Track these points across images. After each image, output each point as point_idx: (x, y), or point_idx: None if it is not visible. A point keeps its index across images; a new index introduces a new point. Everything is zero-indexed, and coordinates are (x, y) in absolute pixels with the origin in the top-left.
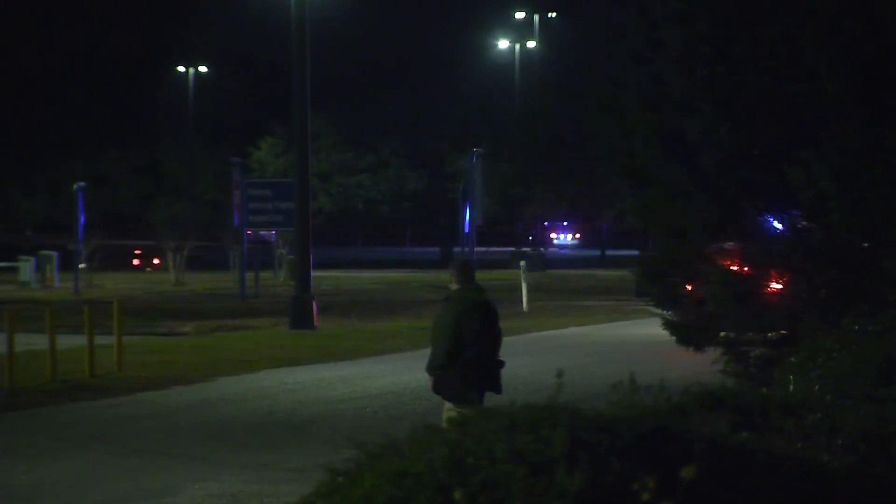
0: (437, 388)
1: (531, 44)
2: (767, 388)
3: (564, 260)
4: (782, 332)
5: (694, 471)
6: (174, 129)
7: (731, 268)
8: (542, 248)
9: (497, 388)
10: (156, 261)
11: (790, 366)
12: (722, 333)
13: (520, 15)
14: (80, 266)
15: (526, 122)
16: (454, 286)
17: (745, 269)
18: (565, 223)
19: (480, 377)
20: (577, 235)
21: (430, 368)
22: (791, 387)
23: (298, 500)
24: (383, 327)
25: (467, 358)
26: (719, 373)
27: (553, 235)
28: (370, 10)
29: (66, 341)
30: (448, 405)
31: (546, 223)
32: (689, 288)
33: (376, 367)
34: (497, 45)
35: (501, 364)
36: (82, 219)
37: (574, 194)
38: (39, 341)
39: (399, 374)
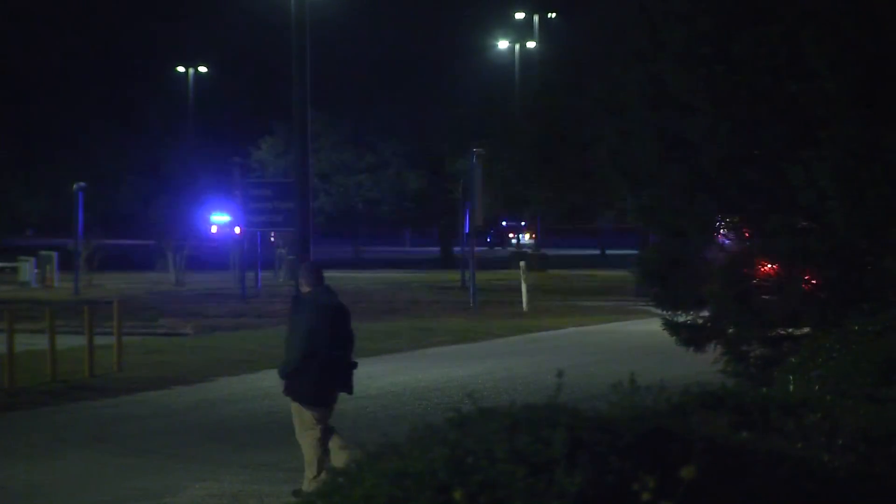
0: (290, 391)
1: (531, 44)
2: (767, 388)
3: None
4: (782, 331)
5: (694, 471)
6: (174, 129)
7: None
8: (499, 248)
9: (349, 389)
10: None
11: (790, 366)
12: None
13: (520, 15)
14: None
15: (526, 123)
16: (305, 289)
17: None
18: (523, 223)
19: (334, 378)
20: (534, 236)
21: (284, 372)
22: (791, 387)
23: (299, 500)
24: (383, 327)
25: (321, 360)
26: (719, 373)
27: (511, 235)
28: (370, 11)
29: (66, 341)
30: (295, 406)
31: (504, 223)
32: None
33: (376, 366)
34: (497, 45)
35: (354, 365)
36: (82, 219)
37: (573, 195)
38: (39, 341)
39: (399, 374)
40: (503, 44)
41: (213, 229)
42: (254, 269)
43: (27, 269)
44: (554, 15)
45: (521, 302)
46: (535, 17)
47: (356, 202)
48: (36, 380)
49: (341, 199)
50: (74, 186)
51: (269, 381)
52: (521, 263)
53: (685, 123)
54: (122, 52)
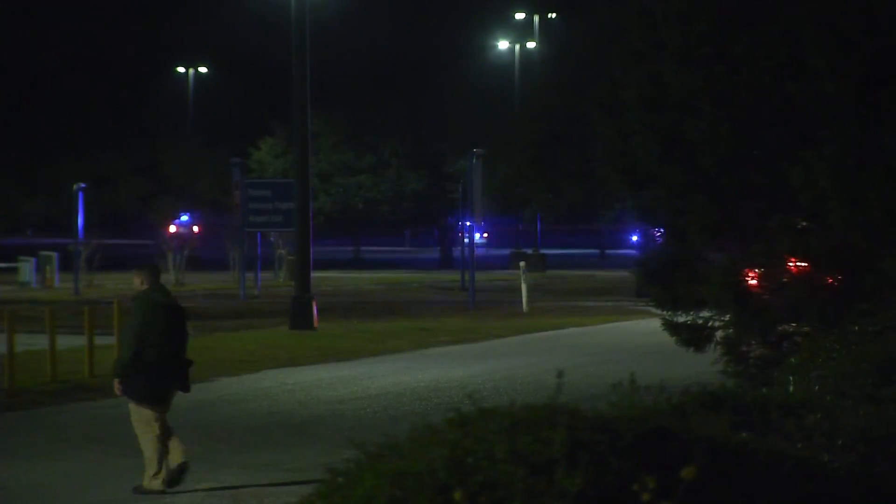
0: (125, 390)
1: (531, 44)
2: (767, 389)
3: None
4: (782, 331)
5: (694, 471)
6: (174, 129)
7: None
8: (451, 248)
9: (185, 387)
10: None
11: (790, 366)
12: (721, 333)
13: (520, 15)
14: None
15: (525, 123)
16: (141, 288)
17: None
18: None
19: (169, 377)
20: (486, 235)
21: (118, 372)
22: (791, 387)
23: (298, 500)
24: (383, 327)
25: (154, 358)
26: (719, 373)
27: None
28: (370, 11)
29: (66, 341)
30: (132, 404)
31: (459, 223)
32: (750, 277)
33: (376, 367)
34: (497, 45)
35: (190, 363)
36: (82, 219)
37: (573, 195)
38: (39, 341)
39: (399, 374)
40: (503, 44)
41: (173, 229)
42: (253, 270)
43: (27, 269)
44: (554, 15)
45: (520, 302)
46: (535, 18)
47: (356, 202)
48: (36, 380)
49: (341, 199)
50: (74, 186)
51: (269, 381)
52: (521, 264)
53: (685, 123)
54: (122, 53)
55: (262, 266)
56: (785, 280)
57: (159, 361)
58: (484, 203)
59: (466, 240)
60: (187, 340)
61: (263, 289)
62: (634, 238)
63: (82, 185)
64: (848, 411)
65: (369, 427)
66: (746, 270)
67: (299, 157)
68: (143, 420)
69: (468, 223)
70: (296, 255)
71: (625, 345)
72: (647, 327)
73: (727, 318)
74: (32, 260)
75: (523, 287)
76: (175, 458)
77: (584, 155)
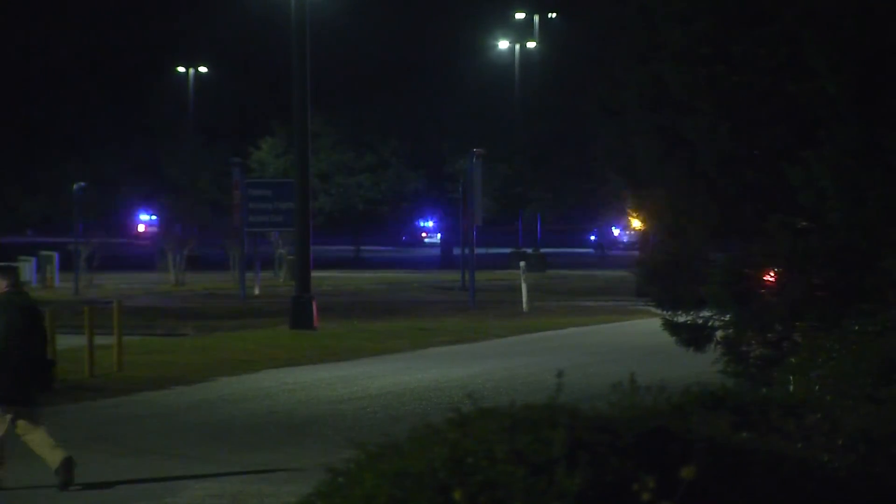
0: None
1: (531, 44)
2: (767, 389)
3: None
4: (782, 331)
5: (694, 471)
6: (174, 129)
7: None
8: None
9: (47, 387)
10: None
11: (790, 366)
12: (721, 333)
13: (520, 15)
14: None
15: (526, 123)
16: (2, 291)
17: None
18: (432, 223)
19: (30, 378)
20: (439, 235)
21: None
22: (791, 387)
23: (298, 500)
24: (383, 327)
25: (18, 360)
26: (719, 373)
27: (424, 235)
28: (370, 11)
29: (66, 341)
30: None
31: (418, 222)
32: (766, 278)
33: (376, 367)
34: (497, 45)
35: (52, 363)
36: (81, 219)
37: (573, 195)
38: None
39: (399, 374)
40: (503, 44)
41: (141, 228)
42: (253, 270)
43: (27, 268)
44: (554, 15)
45: (520, 302)
46: (535, 17)
47: (356, 202)
48: None
49: (341, 199)
50: (74, 186)
51: (269, 381)
52: (521, 264)
53: (685, 123)
54: (122, 53)
55: (262, 266)
56: (785, 280)
57: (21, 363)
58: (482, 203)
59: (429, 239)
60: (46, 341)
61: (263, 289)
62: (592, 238)
63: (82, 184)
64: (848, 411)
65: (369, 427)
66: (747, 270)
67: (299, 157)
68: None
69: (419, 223)
70: (296, 255)
71: (625, 345)
72: (647, 327)
73: (727, 318)
74: (32, 260)
75: (523, 287)
76: (55, 457)
77: (584, 155)
